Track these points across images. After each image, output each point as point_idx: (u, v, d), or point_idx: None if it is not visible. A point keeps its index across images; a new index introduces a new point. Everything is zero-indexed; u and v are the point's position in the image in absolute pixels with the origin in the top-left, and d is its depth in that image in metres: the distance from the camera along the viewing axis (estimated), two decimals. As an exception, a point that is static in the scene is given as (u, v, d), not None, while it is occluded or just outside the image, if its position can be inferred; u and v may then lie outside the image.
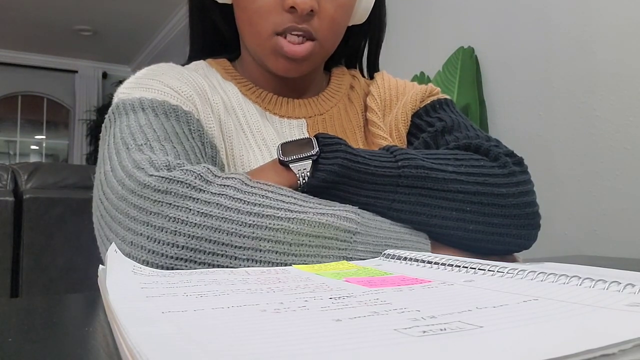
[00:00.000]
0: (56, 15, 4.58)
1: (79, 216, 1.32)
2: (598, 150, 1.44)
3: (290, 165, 0.46)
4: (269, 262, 0.40)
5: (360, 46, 0.71)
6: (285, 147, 0.47)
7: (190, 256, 0.39)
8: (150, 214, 0.40)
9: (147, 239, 0.39)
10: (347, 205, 0.45)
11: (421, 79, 1.93)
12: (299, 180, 0.46)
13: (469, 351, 0.16)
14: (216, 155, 0.53)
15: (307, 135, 0.61)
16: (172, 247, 0.39)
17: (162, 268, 0.39)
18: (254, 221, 0.40)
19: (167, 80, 0.54)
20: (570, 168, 1.52)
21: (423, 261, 0.36)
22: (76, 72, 5.95)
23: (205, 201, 0.40)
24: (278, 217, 0.41)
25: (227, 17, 0.64)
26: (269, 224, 0.40)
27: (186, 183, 0.41)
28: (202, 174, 0.42)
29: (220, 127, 0.56)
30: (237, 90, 0.62)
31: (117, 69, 6.09)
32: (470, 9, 1.92)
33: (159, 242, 0.39)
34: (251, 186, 0.42)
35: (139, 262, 0.39)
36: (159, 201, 0.40)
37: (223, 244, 0.39)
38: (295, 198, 0.43)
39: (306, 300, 0.24)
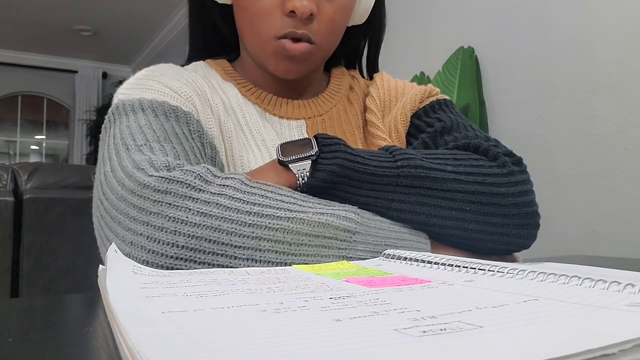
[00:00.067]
0: (56, 15, 4.58)
1: (79, 216, 1.32)
2: (598, 150, 1.44)
3: (290, 166, 0.46)
4: (269, 261, 0.40)
5: (359, 46, 0.71)
6: (285, 147, 0.47)
7: (190, 256, 0.39)
8: (150, 214, 0.40)
9: (147, 239, 0.39)
10: (347, 205, 0.45)
11: (421, 79, 1.93)
12: (299, 180, 0.46)
13: (469, 351, 0.16)
14: (216, 156, 0.53)
15: (306, 136, 0.61)
16: (172, 247, 0.39)
17: (162, 268, 0.39)
18: (253, 221, 0.40)
19: (167, 81, 0.54)
20: (570, 168, 1.52)
21: (423, 261, 0.36)
22: (76, 72, 5.95)
23: (204, 201, 0.40)
24: (278, 216, 0.41)
25: (227, 18, 0.64)
26: (269, 223, 0.40)
27: (186, 183, 0.41)
28: (201, 174, 0.42)
29: (220, 128, 0.56)
30: (236, 91, 0.62)
31: (117, 69, 6.09)
32: (470, 9, 1.92)
33: (158, 242, 0.39)
34: (251, 186, 0.42)
35: (139, 262, 0.39)
36: (159, 201, 0.40)
37: (223, 243, 0.39)
38: (294, 198, 0.43)
39: (306, 300, 0.24)
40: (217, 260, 0.39)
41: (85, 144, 5.85)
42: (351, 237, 0.43)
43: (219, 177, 0.42)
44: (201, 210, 0.40)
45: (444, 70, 1.86)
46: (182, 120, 0.51)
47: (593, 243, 1.44)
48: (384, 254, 0.42)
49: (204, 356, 0.16)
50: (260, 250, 0.40)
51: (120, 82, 0.58)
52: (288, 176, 0.46)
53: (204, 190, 0.41)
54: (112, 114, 0.53)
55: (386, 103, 0.65)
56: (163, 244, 0.39)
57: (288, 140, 0.54)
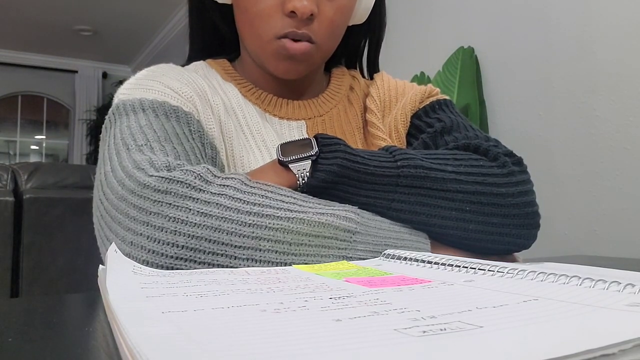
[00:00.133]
0: (56, 15, 4.58)
1: (79, 216, 1.32)
2: (598, 150, 1.45)
3: (290, 166, 0.46)
4: (269, 261, 0.40)
5: (360, 46, 0.71)
6: (285, 147, 0.47)
7: (190, 256, 0.39)
8: (150, 214, 0.40)
9: (147, 238, 0.40)
10: (347, 205, 0.45)
11: (421, 79, 1.93)
12: (299, 180, 0.46)
13: (469, 351, 0.16)
14: (216, 156, 0.53)
15: (306, 137, 0.61)
16: (172, 246, 0.39)
17: (162, 268, 0.39)
18: (253, 221, 0.40)
19: (168, 81, 0.54)
20: (570, 168, 1.52)
21: (423, 261, 0.36)
22: (76, 72, 5.95)
23: (205, 201, 0.40)
24: (278, 216, 0.41)
25: (227, 18, 0.64)
26: (269, 223, 0.40)
27: (186, 183, 0.41)
28: (201, 174, 0.42)
29: (220, 128, 0.56)
30: (237, 91, 0.62)
31: (117, 69, 6.09)
32: (470, 9, 1.92)
33: (158, 242, 0.39)
34: (251, 186, 0.42)
35: (139, 262, 0.39)
36: (159, 201, 0.40)
37: (223, 243, 0.39)
38: (294, 198, 0.43)
39: (306, 300, 0.24)
40: (217, 260, 0.39)
41: (85, 144, 5.85)
42: (351, 237, 0.43)
43: (219, 177, 0.42)
44: (201, 210, 0.40)
45: (444, 70, 1.86)
46: (183, 121, 0.51)
47: (593, 243, 1.44)
48: (384, 254, 0.42)
49: (204, 356, 0.16)
50: (260, 250, 0.40)
51: (121, 82, 0.58)
52: (288, 176, 0.46)
53: (204, 190, 0.41)
54: (113, 114, 0.53)
55: (386, 103, 0.65)
56: (163, 244, 0.39)
57: (288, 140, 0.54)
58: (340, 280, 0.31)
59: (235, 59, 0.67)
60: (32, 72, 5.76)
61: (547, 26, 1.62)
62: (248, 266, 0.40)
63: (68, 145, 6.11)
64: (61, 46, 5.45)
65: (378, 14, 0.68)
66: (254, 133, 0.59)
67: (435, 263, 0.35)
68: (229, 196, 0.41)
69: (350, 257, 0.42)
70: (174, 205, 0.40)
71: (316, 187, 0.45)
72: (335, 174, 0.45)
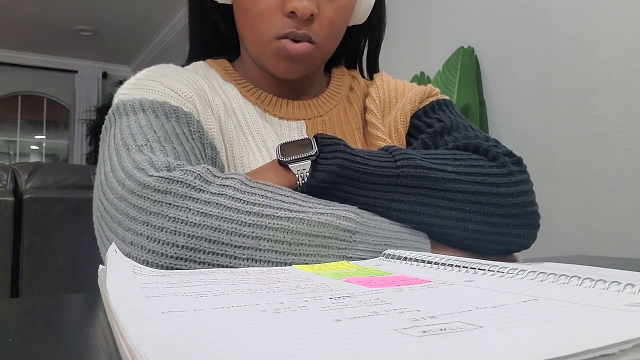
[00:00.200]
0: (56, 15, 4.58)
1: (79, 216, 1.32)
2: (598, 150, 1.45)
3: (290, 166, 0.46)
4: (269, 261, 0.40)
5: (360, 46, 0.71)
6: (285, 147, 0.47)
7: (190, 256, 0.39)
8: (150, 214, 0.40)
9: (147, 239, 0.40)
10: (347, 205, 0.45)
11: (421, 79, 1.93)
12: (299, 180, 0.46)
13: (469, 351, 0.16)
14: (216, 157, 0.53)
15: (306, 137, 0.61)
16: (172, 246, 0.39)
17: (162, 268, 0.39)
18: (253, 221, 0.40)
19: (168, 82, 0.54)
20: (570, 168, 1.52)
21: (423, 261, 0.36)
22: (76, 72, 5.95)
23: (205, 201, 0.40)
24: (278, 216, 0.41)
25: (227, 18, 0.64)
26: (269, 223, 0.40)
27: (186, 183, 0.41)
28: (201, 174, 0.42)
29: (220, 129, 0.56)
30: (237, 91, 0.62)
31: (117, 69, 6.09)
32: (470, 9, 1.92)
33: (158, 242, 0.39)
34: (251, 186, 0.42)
35: (139, 262, 0.39)
36: (159, 201, 0.40)
37: (223, 243, 0.39)
38: (294, 198, 0.43)
39: (306, 300, 0.24)
40: (217, 260, 0.39)
41: (85, 144, 5.85)
42: (351, 237, 0.43)
43: (219, 177, 0.42)
44: (201, 210, 0.40)
45: (444, 70, 1.86)
46: (183, 121, 0.51)
47: (593, 243, 1.44)
48: (384, 254, 0.42)
49: (204, 356, 0.16)
50: (260, 250, 0.40)
51: (121, 82, 0.58)
52: (288, 176, 0.46)
53: (204, 190, 0.41)
54: (113, 114, 0.53)
55: (386, 103, 0.65)
56: (163, 244, 0.39)
57: (288, 140, 0.54)
58: (340, 280, 0.31)
59: (235, 59, 0.67)
60: (32, 72, 5.76)
61: (547, 26, 1.62)
62: (248, 266, 0.40)
63: (68, 145, 6.11)
64: (61, 46, 5.45)
65: (378, 14, 0.68)
66: (254, 133, 0.59)
67: (435, 263, 0.35)
68: (229, 196, 0.41)
69: (350, 257, 0.42)
70: (174, 205, 0.40)
71: (316, 187, 0.45)
72: (335, 174, 0.45)
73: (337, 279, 0.31)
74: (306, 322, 0.20)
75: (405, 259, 0.38)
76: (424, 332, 0.18)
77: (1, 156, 5.98)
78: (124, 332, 0.19)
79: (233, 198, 0.41)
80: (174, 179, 0.41)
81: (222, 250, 0.39)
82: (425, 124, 0.61)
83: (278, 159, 0.47)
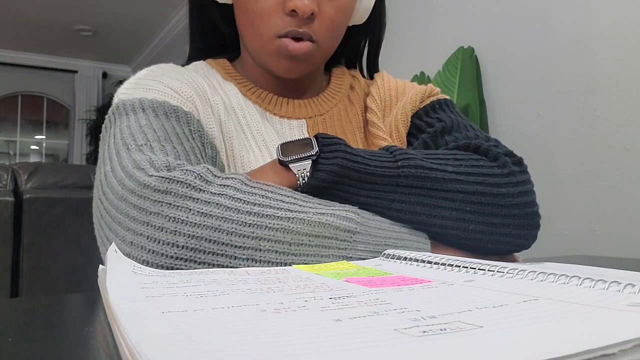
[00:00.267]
0: (56, 15, 4.58)
1: (79, 216, 1.32)
2: (598, 150, 1.44)
3: (290, 166, 0.46)
4: (269, 261, 0.40)
5: (360, 46, 0.71)
6: (285, 147, 0.47)
7: (190, 256, 0.39)
8: (150, 214, 0.40)
9: (147, 239, 0.39)
10: (347, 205, 0.45)
11: (421, 79, 1.93)
12: (299, 180, 0.46)
13: (469, 351, 0.16)
14: (216, 156, 0.53)
15: (307, 136, 0.61)
16: (172, 247, 0.39)
17: (162, 268, 0.39)
18: (253, 221, 0.40)
19: (168, 81, 0.54)
20: (570, 168, 1.52)
21: (423, 261, 0.36)
22: (76, 72, 5.95)
23: (205, 201, 0.40)
24: (278, 216, 0.41)
25: (227, 17, 0.64)
26: (269, 223, 0.40)
27: (186, 183, 0.41)
28: (202, 174, 0.42)
29: (220, 128, 0.56)
30: (237, 90, 0.62)
31: (117, 69, 6.09)
32: (470, 9, 1.92)
33: (159, 242, 0.39)
34: (251, 186, 0.42)
35: (139, 262, 0.39)
36: (159, 201, 0.40)
37: (223, 243, 0.39)
38: (295, 198, 0.43)
39: (306, 300, 0.24)
40: (217, 260, 0.39)
41: (85, 143, 5.85)
42: (351, 237, 0.43)
43: (219, 177, 0.42)
44: (201, 210, 0.40)
45: (444, 70, 1.86)
46: (183, 120, 0.51)
47: (593, 243, 1.44)
48: (384, 254, 0.42)
49: (204, 356, 0.16)
50: (260, 250, 0.40)
51: (121, 82, 0.58)
52: (288, 176, 0.46)
53: (204, 190, 0.41)
54: (113, 113, 0.53)
55: (387, 103, 0.65)
56: (163, 244, 0.39)
57: (288, 140, 0.54)
58: (340, 280, 0.31)
59: (236, 59, 0.67)
60: (32, 72, 5.76)
61: (547, 26, 1.62)
62: (248, 266, 0.40)
63: (68, 145, 6.11)
64: (61, 46, 5.45)
65: (378, 15, 0.68)
66: (254, 132, 0.59)
67: (435, 263, 0.35)
68: (229, 196, 0.41)
69: (350, 257, 0.42)
70: (174, 205, 0.40)
71: (316, 187, 0.45)
72: (336, 174, 0.45)
73: (337, 279, 0.31)
74: (306, 322, 0.20)
75: (405, 259, 0.38)
76: (424, 332, 0.18)
77: (1, 156, 5.98)
78: (124, 332, 0.19)
79: (233, 198, 0.41)
80: (174, 178, 0.41)
81: (222, 251, 0.39)
82: (426, 123, 0.61)
83: (278, 159, 0.47)
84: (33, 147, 6.22)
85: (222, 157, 0.55)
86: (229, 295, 0.26)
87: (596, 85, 1.46)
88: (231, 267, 0.39)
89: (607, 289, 0.25)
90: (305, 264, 0.40)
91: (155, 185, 0.41)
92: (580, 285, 0.26)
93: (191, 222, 0.39)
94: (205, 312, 0.22)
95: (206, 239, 0.39)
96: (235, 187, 0.42)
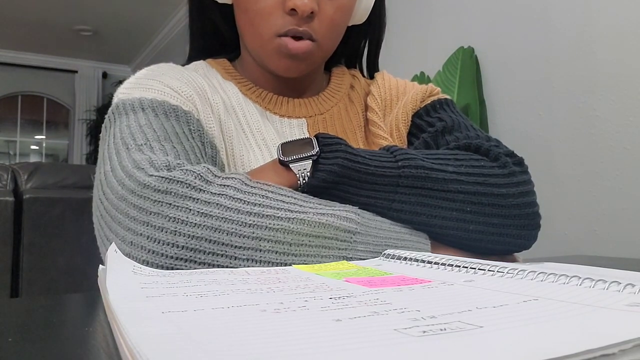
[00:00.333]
0: (56, 15, 4.58)
1: (79, 216, 1.32)
2: (598, 150, 1.44)
3: (291, 165, 0.46)
4: (269, 262, 0.40)
5: (360, 46, 0.71)
6: (286, 147, 0.47)
7: (190, 256, 0.39)
8: (150, 214, 0.40)
9: (147, 239, 0.39)
10: (347, 205, 0.45)
11: (421, 79, 1.93)
12: (299, 180, 0.46)
13: (469, 351, 0.16)
14: (216, 155, 0.53)
15: (307, 135, 0.61)
16: (172, 247, 0.39)
17: (162, 268, 0.39)
18: (254, 221, 0.40)
19: (167, 81, 0.54)
20: (570, 168, 1.52)
21: (423, 261, 0.36)
22: (76, 72, 5.95)
23: (205, 201, 0.40)
24: (278, 217, 0.41)
25: (227, 17, 0.64)
26: (269, 224, 0.40)
27: (186, 183, 0.41)
28: (202, 174, 0.42)
29: (220, 127, 0.56)
30: (237, 90, 0.62)
31: (117, 69, 6.09)
32: (470, 9, 1.92)
33: (159, 242, 0.39)
34: (251, 186, 0.42)
35: (139, 262, 0.39)
36: (159, 201, 0.40)
37: (223, 244, 0.39)
38: (295, 198, 0.43)
39: (306, 300, 0.24)
40: (217, 261, 0.39)
41: (85, 143, 5.85)
42: (351, 238, 0.43)
43: (219, 177, 0.42)
44: (201, 211, 0.40)
45: (444, 70, 1.86)
46: (182, 120, 0.51)
47: (593, 243, 1.44)
48: (384, 254, 0.42)
49: (204, 356, 0.16)
50: (260, 251, 0.40)
51: (120, 82, 0.58)
52: (289, 176, 0.46)
53: (204, 191, 0.41)
54: (112, 113, 0.53)
55: (387, 102, 0.65)
56: (163, 244, 0.39)
57: (289, 139, 0.54)
58: (340, 280, 0.31)
59: (236, 59, 0.67)
60: (32, 72, 5.76)
61: (547, 26, 1.62)
62: (248, 266, 0.40)
63: (68, 145, 6.11)
64: (61, 46, 5.45)
65: (378, 15, 0.68)
66: (254, 131, 0.59)
67: (435, 263, 0.35)
68: (229, 196, 0.41)
69: (351, 257, 0.42)
70: (174, 205, 0.40)
71: (317, 187, 0.45)
72: (336, 174, 0.45)
73: (337, 279, 0.31)
74: (306, 322, 0.20)
75: (405, 259, 0.38)
76: (424, 332, 0.18)
77: (1, 156, 5.98)
78: (124, 332, 0.19)
79: (233, 198, 0.41)
80: (174, 178, 0.41)
81: (222, 251, 0.39)
82: (426, 123, 0.61)
83: (279, 159, 0.47)
84: (33, 147, 6.22)
85: (222, 156, 0.55)
86: (229, 295, 0.26)
87: (596, 85, 1.46)
88: (231, 267, 0.39)
89: (607, 289, 0.25)
90: (306, 264, 0.40)
91: (155, 185, 0.41)
92: (580, 285, 0.26)
93: (191, 222, 0.39)
94: (205, 312, 0.22)
95: (206, 239, 0.39)
96: (235, 187, 0.42)
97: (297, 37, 0.55)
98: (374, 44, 0.70)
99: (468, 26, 1.92)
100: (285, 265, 0.40)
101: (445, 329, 0.18)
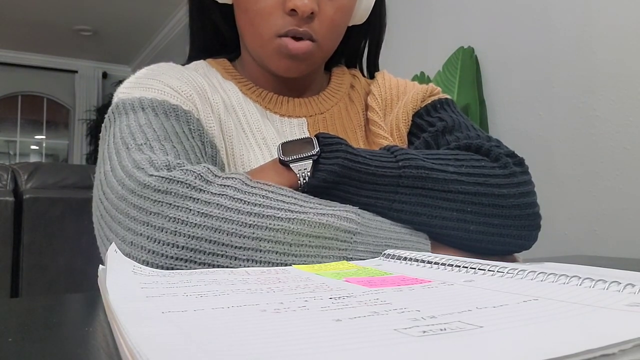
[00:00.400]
0: (56, 15, 4.58)
1: (79, 216, 1.32)
2: (598, 150, 1.44)
3: (291, 165, 0.46)
4: (269, 262, 0.40)
5: (360, 46, 0.71)
6: (286, 146, 0.47)
7: (190, 256, 0.39)
8: (150, 214, 0.40)
9: (147, 239, 0.39)
10: (348, 205, 0.45)
11: (421, 79, 1.93)
12: (300, 180, 0.46)
13: (469, 351, 0.16)
14: (216, 155, 0.53)
15: (307, 134, 0.61)
16: (172, 247, 0.39)
17: (162, 268, 0.39)
18: (254, 221, 0.40)
19: (167, 80, 0.54)
20: (570, 168, 1.52)
21: (423, 261, 0.36)
22: (76, 72, 5.95)
23: (205, 201, 0.40)
24: (278, 217, 0.41)
25: (227, 17, 0.64)
26: (269, 224, 0.40)
27: (186, 183, 0.41)
28: (202, 174, 0.42)
29: (220, 127, 0.56)
30: (237, 89, 0.62)
31: (117, 69, 6.09)
32: (470, 9, 1.92)
33: (159, 242, 0.39)
34: (251, 186, 0.42)
35: (139, 262, 0.39)
36: (159, 201, 0.40)
37: (223, 244, 0.39)
38: (295, 198, 0.43)
39: (306, 300, 0.24)
40: (217, 261, 0.39)
41: (85, 143, 5.85)
42: (352, 238, 0.43)
43: (219, 177, 0.42)
44: (201, 211, 0.40)
45: (444, 70, 1.86)
46: (182, 119, 0.51)
47: (593, 243, 1.44)
48: (384, 254, 0.42)
49: (204, 356, 0.16)
50: (260, 251, 0.40)
51: (121, 82, 0.58)
52: (289, 176, 0.46)
53: (204, 191, 0.41)
54: (112, 112, 0.53)
55: (388, 102, 0.65)
56: (163, 244, 0.39)
57: (289, 138, 0.54)
58: (340, 280, 0.31)
59: (236, 59, 0.67)
60: (32, 72, 5.76)
61: (547, 26, 1.62)
62: (248, 267, 0.40)
63: (68, 145, 6.11)
64: (61, 46, 5.45)
65: (378, 15, 0.68)
66: (254, 131, 0.59)
67: (435, 263, 0.35)
68: (230, 196, 0.41)
69: (351, 257, 0.42)
70: (174, 205, 0.40)
71: (317, 187, 0.45)
72: (337, 173, 0.45)
73: (337, 279, 0.31)
74: (306, 322, 0.20)
75: (405, 259, 0.38)
76: (424, 332, 0.18)
77: (1, 156, 5.97)
78: (124, 332, 0.19)
79: (233, 198, 0.41)
80: (174, 178, 0.41)
81: (222, 251, 0.39)
82: (427, 122, 0.61)
83: (279, 158, 0.47)
84: (33, 147, 6.22)
85: (222, 155, 0.55)
86: (229, 295, 0.26)
87: (596, 85, 1.46)
88: (231, 267, 0.39)
89: (607, 289, 0.25)
90: (306, 264, 0.40)
91: (155, 185, 0.41)
92: (580, 285, 0.26)
93: (191, 222, 0.39)
94: (205, 312, 0.22)
95: (206, 239, 0.39)
96: (235, 187, 0.42)
97: (297, 38, 0.55)
98: (374, 44, 0.70)
99: (468, 26, 1.92)
100: (286, 265, 0.40)
101: (445, 329, 0.18)
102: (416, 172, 0.47)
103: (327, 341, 0.17)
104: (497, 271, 0.31)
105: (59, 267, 1.31)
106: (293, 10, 0.53)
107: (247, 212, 0.40)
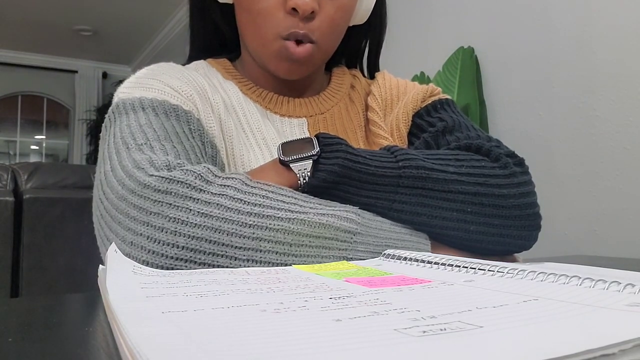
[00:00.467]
0: (56, 15, 4.58)
1: (79, 216, 1.32)
2: (598, 150, 1.44)
3: (291, 165, 0.46)
4: (269, 262, 0.40)
5: (360, 46, 0.71)
6: (286, 146, 0.47)
7: (190, 256, 0.39)
8: (151, 214, 0.40)
9: (147, 239, 0.39)
10: (348, 205, 0.45)
11: (421, 79, 1.93)
12: (300, 180, 0.46)
13: (469, 351, 0.16)
14: (216, 155, 0.53)
15: (307, 134, 0.61)
16: (172, 247, 0.39)
17: (162, 268, 0.39)
18: (254, 221, 0.40)
19: (167, 80, 0.54)
20: (570, 168, 1.52)
21: (423, 261, 0.36)
22: (76, 72, 5.95)
23: (205, 201, 0.40)
24: (278, 217, 0.41)
25: (228, 17, 0.64)
26: (269, 224, 0.40)
27: (186, 183, 0.41)
28: (202, 174, 0.42)
29: (220, 127, 0.56)
30: (237, 89, 0.62)
31: (117, 69, 6.09)
32: (470, 9, 1.92)
33: (159, 243, 0.39)
34: (251, 186, 0.42)
35: (139, 262, 0.39)
36: (159, 201, 0.40)
37: (223, 244, 0.39)
38: (295, 198, 0.43)
39: (306, 300, 0.24)
40: (217, 261, 0.39)
41: (85, 143, 5.85)
42: (352, 238, 0.43)
43: (219, 177, 0.42)
44: (202, 211, 0.40)
45: (444, 70, 1.86)
46: (183, 119, 0.51)
47: (593, 243, 1.44)
48: (384, 254, 0.42)
49: (204, 356, 0.16)
50: (260, 251, 0.40)
51: (121, 82, 0.58)
52: (289, 176, 0.46)
53: (204, 191, 0.41)
54: (113, 112, 0.53)
55: (388, 102, 0.65)
56: (163, 244, 0.39)
57: (289, 138, 0.54)
58: (340, 280, 0.31)
59: (236, 59, 0.67)
60: (32, 72, 5.76)
61: (547, 26, 1.62)
62: (248, 267, 0.40)
63: (68, 145, 6.11)
64: (61, 46, 5.45)
65: (378, 15, 0.68)
66: (254, 131, 0.59)
67: (435, 263, 0.35)
68: (230, 196, 0.41)
69: (351, 257, 0.42)
70: (175, 205, 0.40)
71: (317, 187, 0.45)
72: (337, 174, 0.45)
73: (337, 279, 0.31)
74: (306, 322, 0.20)
75: (405, 259, 0.38)
76: (424, 332, 0.18)
77: (1, 156, 5.97)
78: (124, 332, 0.19)
79: (234, 198, 0.41)
80: (175, 178, 0.41)
81: (222, 251, 0.39)
82: (427, 122, 0.61)
83: (279, 158, 0.47)
84: (33, 147, 6.22)
85: (222, 155, 0.55)
86: (229, 295, 0.26)
87: (596, 85, 1.46)
88: (231, 267, 0.39)
89: (607, 289, 0.25)
90: (306, 264, 0.40)
91: (155, 185, 0.41)
92: (580, 285, 0.26)
93: (191, 222, 0.39)
94: (205, 312, 0.22)
95: (206, 239, 0.39)
96: (235, 187, 0.42)
97: (298, 41, 0.55)
98: (374, 44, 0.70)
99: (468, 26, 1.92)
100: (286, 265, 0.40)
101: (445, 329, 0.18)
102: (416, 172, 0.47)
103: (327, 341, 0.17)
104: (497, 271, 0.31)
105: (59, 267, 1.31)
106: (294, 9, 0.53)
107: (247, 212, 0.40)
